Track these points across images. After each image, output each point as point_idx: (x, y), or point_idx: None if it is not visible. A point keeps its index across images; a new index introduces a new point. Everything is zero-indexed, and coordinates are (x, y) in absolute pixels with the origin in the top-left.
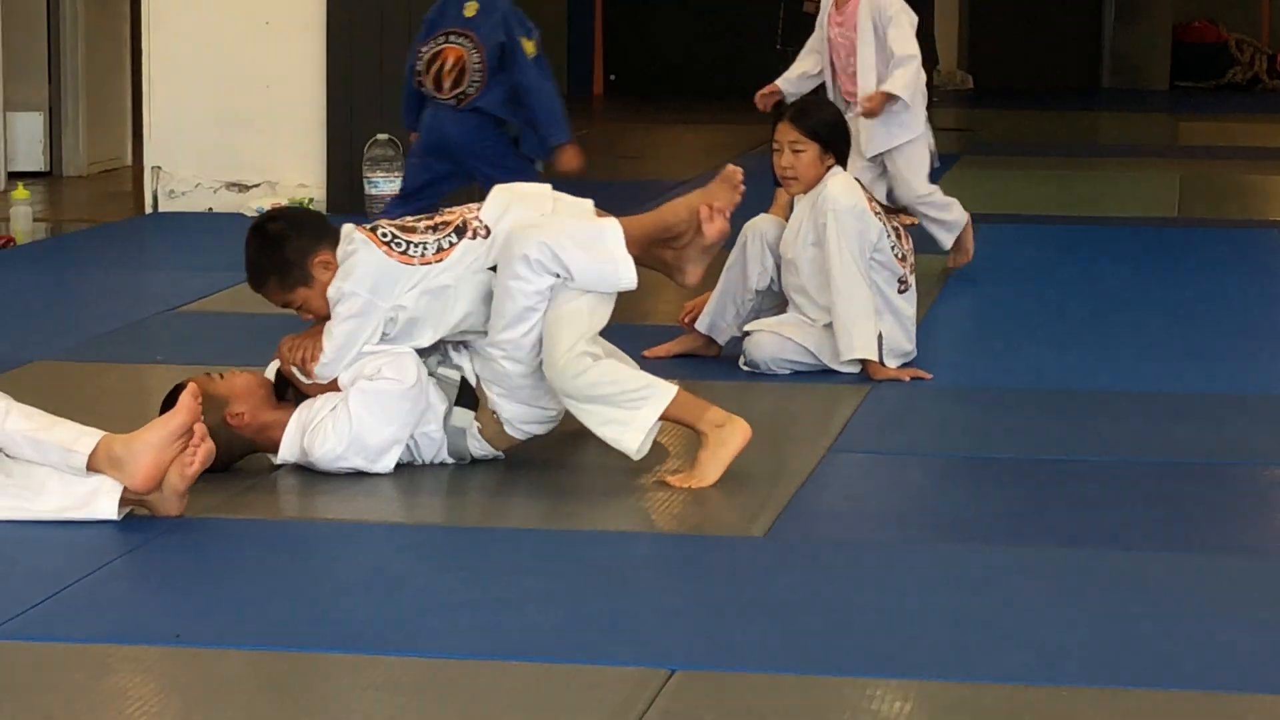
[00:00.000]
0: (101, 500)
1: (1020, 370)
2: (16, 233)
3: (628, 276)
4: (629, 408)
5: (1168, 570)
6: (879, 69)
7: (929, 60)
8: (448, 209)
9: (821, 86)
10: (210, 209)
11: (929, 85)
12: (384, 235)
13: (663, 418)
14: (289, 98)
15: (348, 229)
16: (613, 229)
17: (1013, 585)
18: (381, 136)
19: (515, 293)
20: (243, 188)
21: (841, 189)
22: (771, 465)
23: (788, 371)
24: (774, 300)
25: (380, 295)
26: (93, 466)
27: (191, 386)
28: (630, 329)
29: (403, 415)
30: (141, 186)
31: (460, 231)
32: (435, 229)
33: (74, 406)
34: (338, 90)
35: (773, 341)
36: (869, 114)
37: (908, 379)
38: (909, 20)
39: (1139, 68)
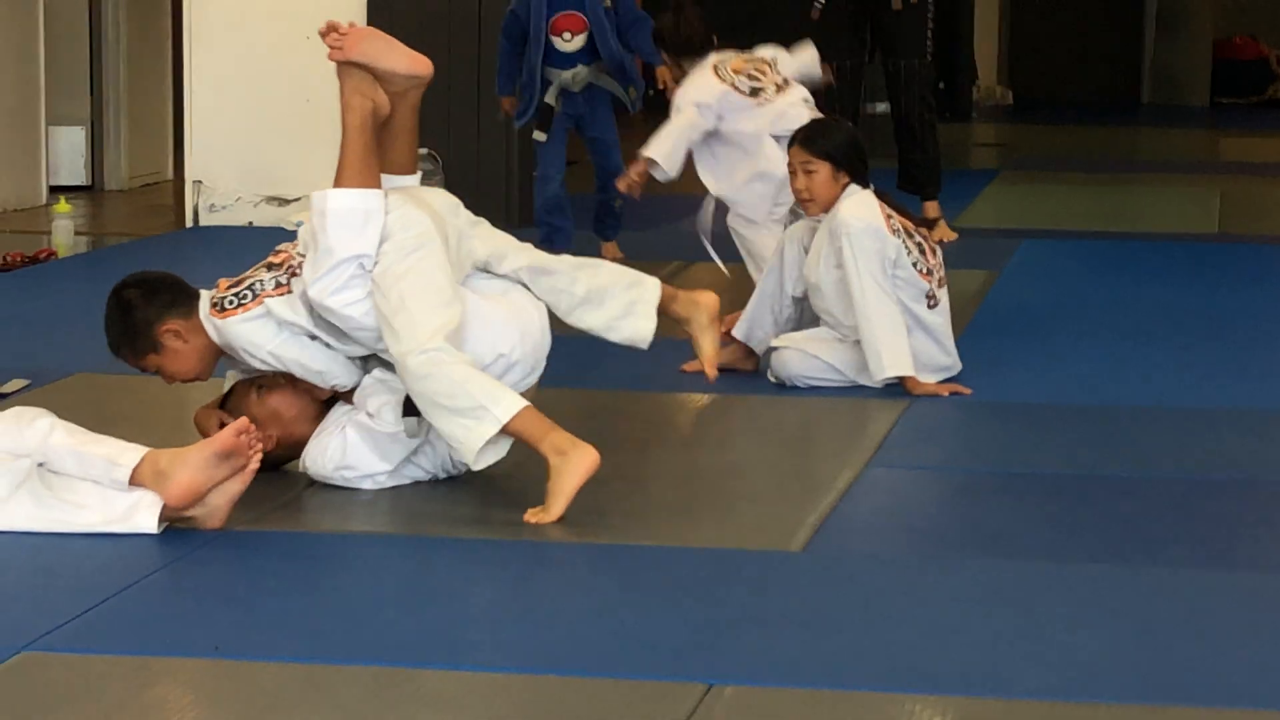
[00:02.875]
0: (141, 514)
1: (1059, 385)
2: (58, 246)
3: None
4: (471, 417)
5: (1204, 587)
6: None
7: (968, 75)
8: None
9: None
10: (251, 223)
11: (970, 100)
12: (217, 304)
13: (507, 432)
14: (330, 111)
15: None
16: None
17: (1050, 601)
18: (421, 150)
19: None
20: (283, 201)
21: (854, 209)
22: (808, 480)
23: (807, 386)
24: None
25: (276, 348)
26: (135, 481)
27: (241, 422)
28: (668, 343)
29: (395, 455)
30: (183, 200)
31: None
32: (270, 268)
33: (115, 419)
34: None
35: (797, 359)
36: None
37: (946, 394)
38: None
39: (1179, 83)
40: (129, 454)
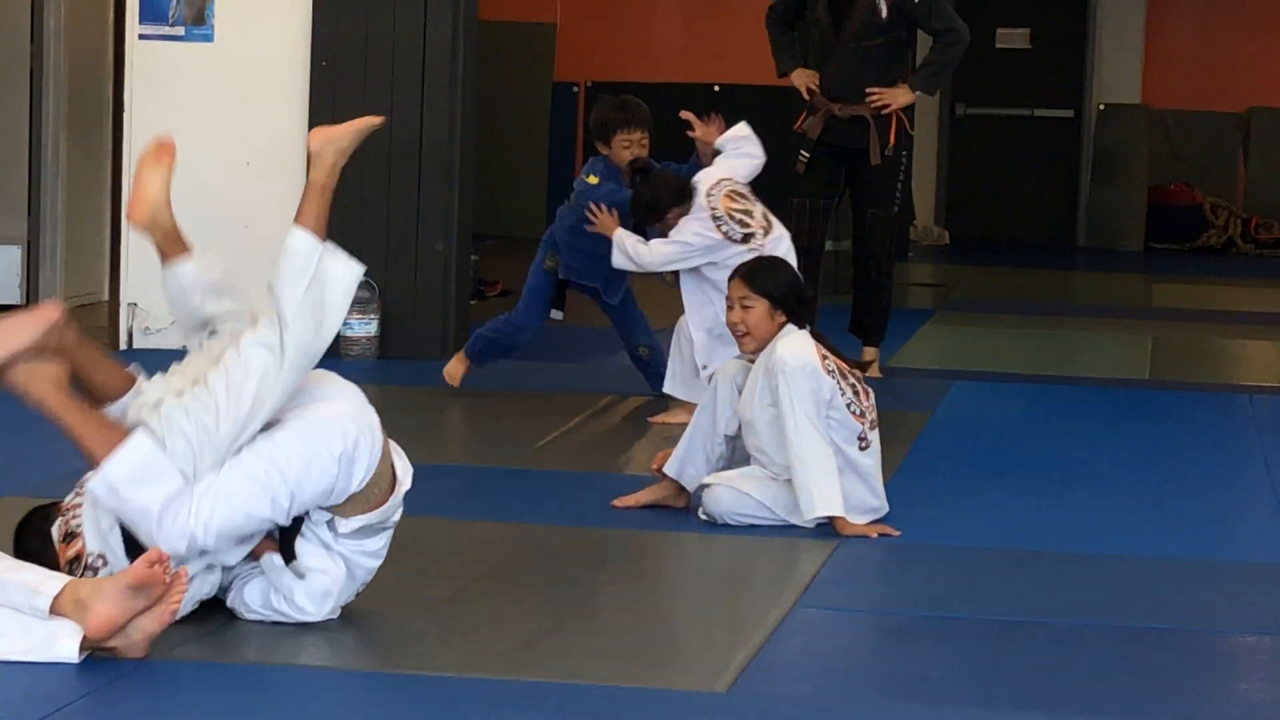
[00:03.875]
0: (61, 642)
1: (990, 528)
2: None
3: None
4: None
5: None
6: None
7: (906, 216)
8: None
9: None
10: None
11: (906, 239)
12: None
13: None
14: (268, 237)
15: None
16: None
17: None
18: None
19: None
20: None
21: (791, 348)
22: (734, 620)
23: (738, 523)
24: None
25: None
26: (56, 610)
27: (152, 553)
28: (601, 478)
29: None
30: (117, 322)
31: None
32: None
33: None
34: None
35: (730, 496)
36: None
37: (875, 535)
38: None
39: (1115, 228)
40: (50, 583)
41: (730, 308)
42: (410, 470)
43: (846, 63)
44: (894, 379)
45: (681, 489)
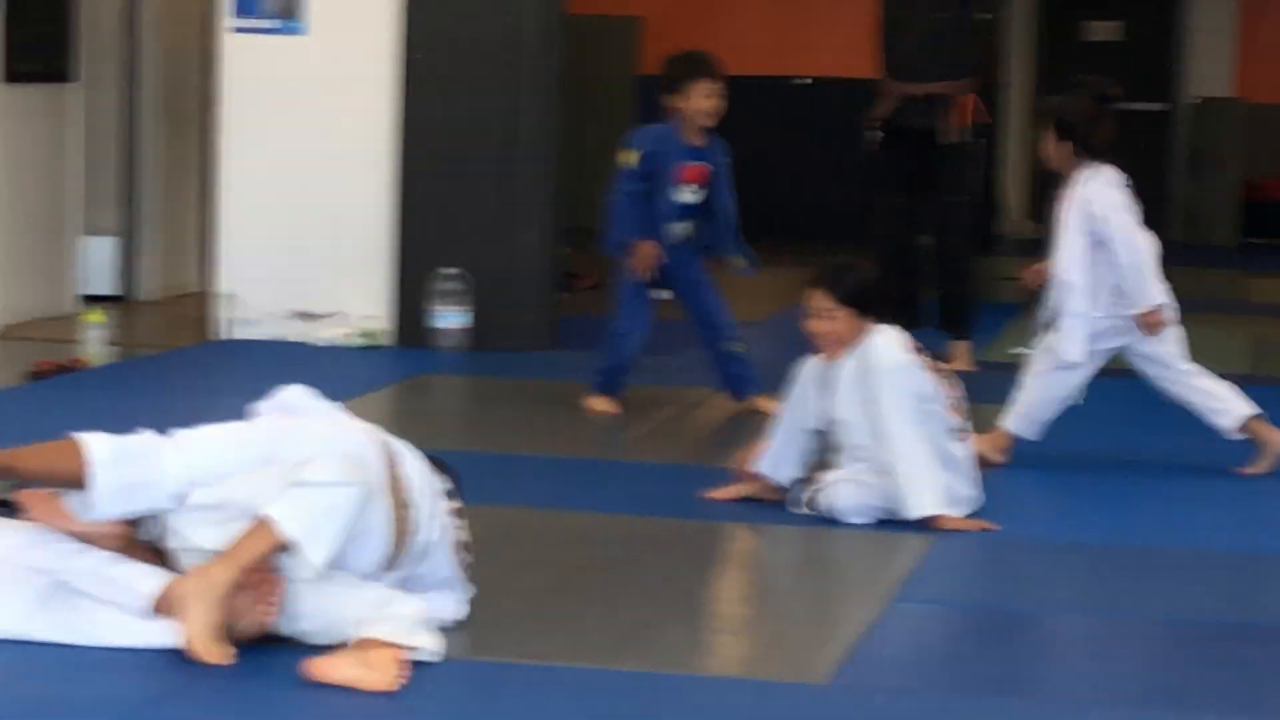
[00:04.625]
0: (160, 636)
1: (1088, 523)
2: (90, 355)
3: None
4: None
5: None
6: None
7: (993, 207)
8: None
9: None
10: (279, 338)
11: (994, 233)
12: None
13: None
14: (358, 229)
15: None
16: None
17: None
18: (450, 270)
19: None
20: (311, 317)
21: (886, 348)
22: (833, 613)
23: (864, 520)
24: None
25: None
26: (156, 608)
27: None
28: (697, 470)
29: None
30: (212, 313)
31: None
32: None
33: None
34: (408, 222)
35: (853, 492)
36: None
37: (975, 529)
38: None
39: (1208, 222)
40: (149, 580)
41: (812, 317)
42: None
43: (918, 37)
44: (987, 373)
45: (773, 485)
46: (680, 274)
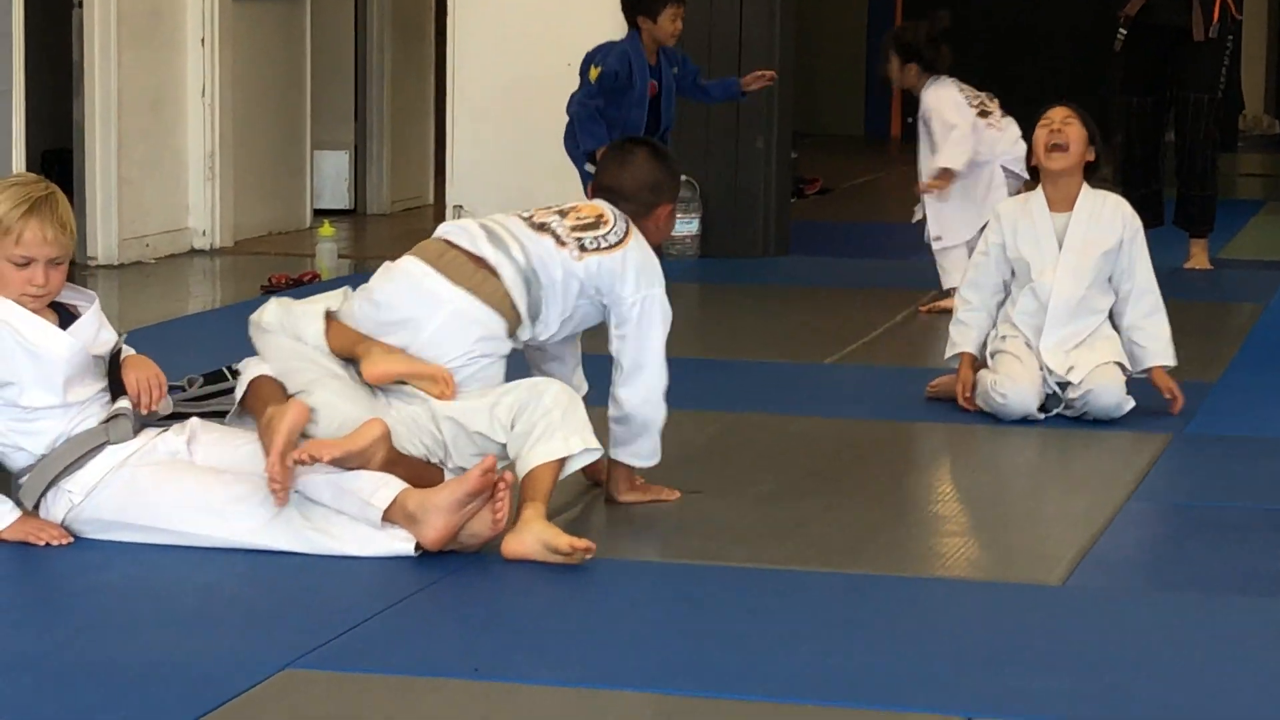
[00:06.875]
0: (398, 545)
1: None
2: (321, 268)
3: None
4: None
5: None
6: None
7: (1235, 105)
8: None
9: None
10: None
11: (1235, 130)
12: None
13: None
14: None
15: None
16: None
17: None
18: (680, 178)
19: None
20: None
21: (1125, 203)
22: (1067, 514)
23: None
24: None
25: None
26: (389, 518)
27: (488, 460)
28: (920, 373)
29: None
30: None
31: None
32: None
33: None
34: None
35: (1115, 388)
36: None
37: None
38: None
39: None
40: (384, 491)
41: (1048, 129)
42: None
43: None
44: (1224, 270)
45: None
46: None
